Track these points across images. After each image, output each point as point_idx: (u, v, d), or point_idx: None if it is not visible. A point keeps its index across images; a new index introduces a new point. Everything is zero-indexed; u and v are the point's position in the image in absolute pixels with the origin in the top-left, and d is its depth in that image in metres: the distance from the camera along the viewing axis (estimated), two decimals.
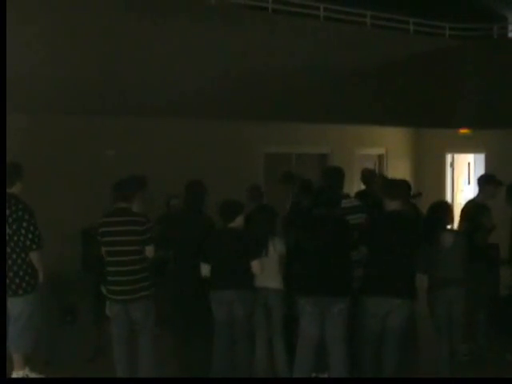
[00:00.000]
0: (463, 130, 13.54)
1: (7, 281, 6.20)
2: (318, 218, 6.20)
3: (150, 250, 6.05)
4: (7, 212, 6.19)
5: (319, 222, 6.13)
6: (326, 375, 6.32)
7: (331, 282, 5.93)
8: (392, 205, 6.09)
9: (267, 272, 6.26)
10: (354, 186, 10.35)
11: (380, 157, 14.54)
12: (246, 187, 7.41)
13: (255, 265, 6.12)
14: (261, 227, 6.36)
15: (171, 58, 9.25)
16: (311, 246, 6.01)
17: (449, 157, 14.77)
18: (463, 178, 14.68)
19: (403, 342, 6.07)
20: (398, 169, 13.98)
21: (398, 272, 5.95)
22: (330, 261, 5.94)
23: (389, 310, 5.95)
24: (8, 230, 6.20)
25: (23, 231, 6.24)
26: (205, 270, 6.25)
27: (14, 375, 6.28)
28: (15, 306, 6.28)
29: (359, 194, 7.98)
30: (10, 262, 6.25)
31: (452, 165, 14.78)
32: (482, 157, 14.12)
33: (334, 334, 5.95)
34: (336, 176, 6.95)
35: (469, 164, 14.69)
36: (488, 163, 13.81)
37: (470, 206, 7.46)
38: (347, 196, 6.96)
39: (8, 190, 6.24)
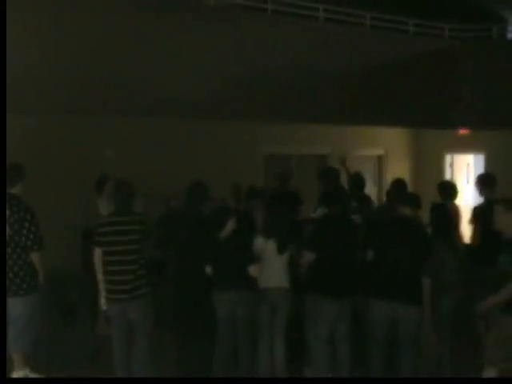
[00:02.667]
0: (463, 131, 13.55)
1: (8, 281, 6.21)
2: (332, 219, 6.24)
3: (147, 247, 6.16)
4: (9, 212, 6.19)
5: (333, 223, 6.18)
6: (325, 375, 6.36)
7: (346, 283, 6.03)
8: (405, 210, 6.07)
9: (277, 271, 6.29)
10: None
11: (380, 157, 14.55)
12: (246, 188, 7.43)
13: (252, 270, 6.14)
14: (280, 226, 6.39)
15: (171, 58, 9.25)
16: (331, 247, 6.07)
17: (448, 157, 14.78)
18: (463, 179, 14.69)
19: (413, 347, 6.07)
20: (398, 169, 13.98)
21: (406, 277, 5.94)
22: (345, 261, 6.01)
23: (394, 315, 5.95)
24: (9, 231, 6.20)
25: (25, 232, 6.25)
26: (209, 270, 6.30)
27: (15, 375, 6.28)
28: (16, 306, 6.28)
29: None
30: (10, 262, 6.26)
31: (451, 165, 14.79)
32: (481, 157, 14.13)
33: (342, 334, 6.11)
34: (331, 176, 6.98)
35: (468, 165, 14.71)
36: (488, 164, 13.82)
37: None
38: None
39: (9, 191, 6.25)
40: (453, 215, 7.13)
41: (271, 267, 6.26)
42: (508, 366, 5.46)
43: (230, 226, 6.26)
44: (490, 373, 5.49)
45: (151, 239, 6.25)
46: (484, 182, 7.42)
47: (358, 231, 6.36)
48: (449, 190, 7.54)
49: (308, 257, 6.19)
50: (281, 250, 6.30)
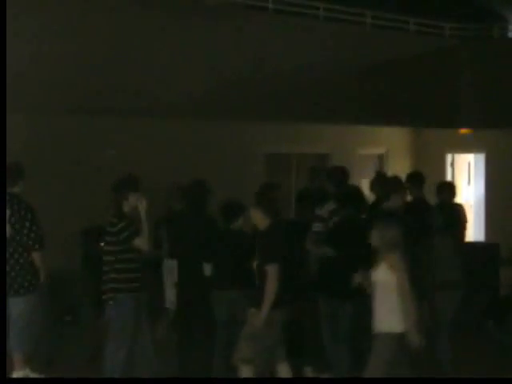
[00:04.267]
0: (463, 130, 13.54)
1: (9, 280, 6.20)
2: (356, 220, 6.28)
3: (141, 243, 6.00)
4: (10, 212, 6.19)
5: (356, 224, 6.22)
6: (326, 375, 6.35)
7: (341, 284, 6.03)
8: (386, 204, 6.14)
9: None
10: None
11: (380, 157, 14.53)
12: (247, 187, 7.41)
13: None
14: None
15: (171, 57, 9.24)
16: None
17: (449, 157, 14.77)
18: (463, 178, 14.69)
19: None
20: (398, 169, 13.95)
21: None
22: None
23: None
24: (10, 230, 6.20)
25: (26, 231, 6.25)
26: (207, 269, 6.28)
27: (15, 375, 6.27)
28: (16, 305, 6.28)
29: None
30: (12, 261, 6.25)
31: (452, 165, 14.78)
32: (482, 156, 14.13)
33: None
34: (340, 176, 6.98)
35: (469, 164, 14.69)
36: (488, 163, 13.82)
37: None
38: None
39: (10, 190, 6.24)
40: (460, 215, 7.20)
41: None
42: (260, 362, 5.56)
43: (241, 221, 6.26)
44: (245, 371, 5.58)
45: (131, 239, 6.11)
46: (411, 180, 7.51)
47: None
48: (448, 190, 7.57)
49: (329, 252, 6.14)
50: None
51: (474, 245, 9.32)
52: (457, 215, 6.71)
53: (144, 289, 6.04)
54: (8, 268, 6.20)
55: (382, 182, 7.59)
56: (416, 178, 7.59)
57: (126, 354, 5.89)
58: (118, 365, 5.87)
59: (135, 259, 5.97)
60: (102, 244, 6.89)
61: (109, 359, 5.90)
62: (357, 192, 6.55)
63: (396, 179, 7.32)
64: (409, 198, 7.47)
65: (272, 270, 5.46)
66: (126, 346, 5.88)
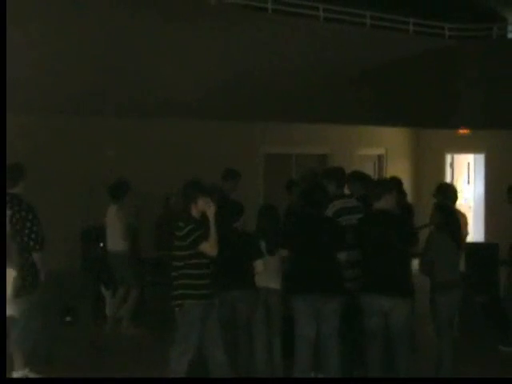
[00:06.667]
0: (463, 130, 13.56)
1: None
2: (306, 217, 6.23)
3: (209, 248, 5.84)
4: (10, 212, 6.18)
5: (307, 221, 6.17)
6: (321, 375, 6.35)
7: (321, 282, 5.97)
8: (377, 204, 6.10)
9: (269, 272, 6.28)
10: None
11: (380, 157, 14.54)
12: (246, 188, 7.40)
13: (258, 264, 6.15)
14: (271, 226, 6.39)
15: (171, 58, 9.25)
16: (301, 245, 6.07)
17: (448, 157, 14.78)
18: (463, 178, 14.70)
19: (406, 340, 6.06)
20: (398, 169, 13.96)
21: (390, 270, 5.95)
22: (319, 260, 6.00)
23: (384, 309, 5.94)
24: (11, 231, 6.20)
25: (27, 231, 6.24)
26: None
27: (15, 375, 6.28)
28: (17, 305, 6.27)
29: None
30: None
31: (452, 165, 14.79)
32: (481, 157, 14.14)
33: (326, 333, 6.01)
34: (337, 176, 6.96)
35: (468, 164, 14.71)
36: (488, 163, 13.83)
37: None
38: (349, 196, 6.96)
39: (11, 191, 6.24)
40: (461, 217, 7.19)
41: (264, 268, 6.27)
42: None
43: (242, 221, 6.30)
44: None
45: None
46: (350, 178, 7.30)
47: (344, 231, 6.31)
48: (448, 192, 7.52)
49: (284, 254, 6.19)
50: (270, 250, 6.30)
51: (473, 245, 9.30)
52: (454, 215, 6.67)
53: (215, 295, 5.89)
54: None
55: (364, 182, 7.36)
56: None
57: (190, 359, 5.79)
58: (182, 369, 5.78)
59: (204, 265, 5.73)
60: (101, 244, 6.94)
61: (173, 363, 5.86)
62: (318, 192, 6.51)
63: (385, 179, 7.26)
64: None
65: None
66: (190, 353, 5.77)
